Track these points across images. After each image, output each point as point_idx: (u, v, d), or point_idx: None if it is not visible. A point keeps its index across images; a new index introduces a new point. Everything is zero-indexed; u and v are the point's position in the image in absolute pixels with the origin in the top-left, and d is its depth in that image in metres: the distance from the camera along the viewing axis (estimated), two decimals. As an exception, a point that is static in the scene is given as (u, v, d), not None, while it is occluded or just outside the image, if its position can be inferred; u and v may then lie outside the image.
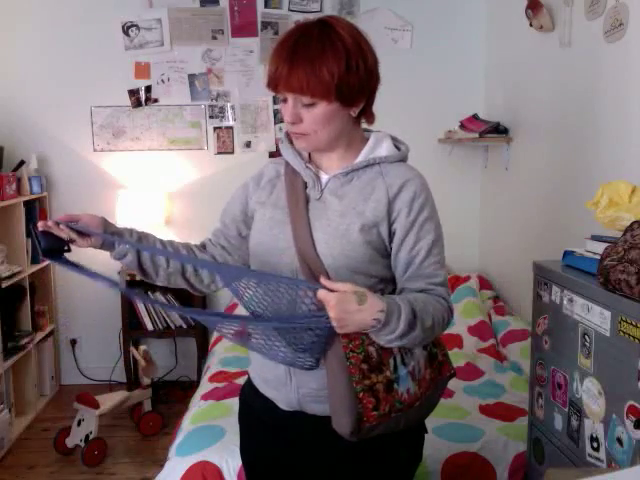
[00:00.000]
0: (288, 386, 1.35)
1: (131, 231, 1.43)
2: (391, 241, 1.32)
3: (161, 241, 1.47)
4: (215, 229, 1.53)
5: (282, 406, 1.39)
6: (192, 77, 3.80)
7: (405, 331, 1.19)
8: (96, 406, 3.05)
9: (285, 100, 1.29)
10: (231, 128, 3.85)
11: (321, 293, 1.14)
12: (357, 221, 1.29)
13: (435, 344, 1.35)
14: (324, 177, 1.38)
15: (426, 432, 1.46)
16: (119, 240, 1.39)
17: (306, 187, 1.37)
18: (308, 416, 1.35)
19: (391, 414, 1.25)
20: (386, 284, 1.34)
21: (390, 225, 1.31)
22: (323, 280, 1.17)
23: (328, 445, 1.32)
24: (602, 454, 1.59)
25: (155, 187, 3.80)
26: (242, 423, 1.54)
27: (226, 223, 1.49)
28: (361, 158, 1.36)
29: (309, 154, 1.40)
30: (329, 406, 1.26)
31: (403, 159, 1.38)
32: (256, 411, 1.47)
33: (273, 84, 1.29)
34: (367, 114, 1.37)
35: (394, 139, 1.42)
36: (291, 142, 1.40)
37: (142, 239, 1.43)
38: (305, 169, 1.37)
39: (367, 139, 1.39)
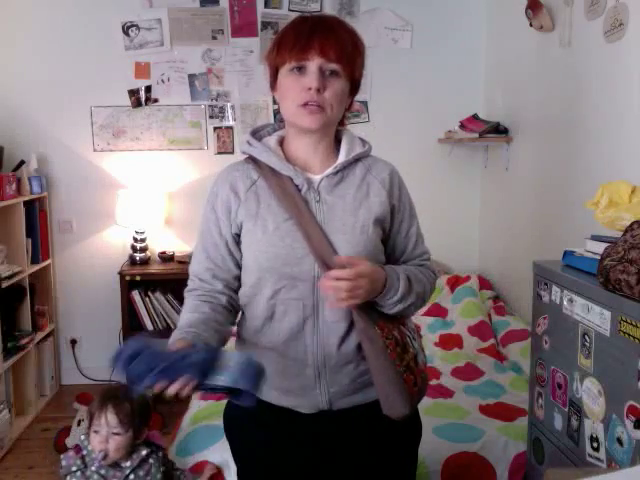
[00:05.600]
0: (317, 390, 1.34)
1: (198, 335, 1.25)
2: (389, 229, 1.41)
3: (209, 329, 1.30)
4: (212, 274, 1.37)
5: (305, 411, 1.37)
6: (192, 77, 3.80)
7: (404, 293, 1.31)
8: (96, 406, 3.04)
9: (301, 69, 1.29)
10: (231, 128, 3.85)
11: (342, 258, 1.25)
12: (370, 216, 1.35)
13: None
14: (315, 178, 1.36)
15: None
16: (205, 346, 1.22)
17: (298, 190, 1.33)
18: (334, 412, 1.37)
19: (422, 386, 1.37)
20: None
21: (392, 215, 1.40)
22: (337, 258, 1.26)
23: (357, 433, 1.39)
24: (602, 454, 1.59)
25: (155, 187, 3.80)
26: (243, 441, 1.45)
27: (223, 254, 1.37)
28: (344, 155, 1.38)
29: (285, 157, 1.38)
30: (378, 395, 1.32)
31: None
32: (265, 424, 1.39)
33: (301, 49, 1.28)
34: (344, 117, 1.42)
35: None
36: (259, 140, 1.39)
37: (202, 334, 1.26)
38: (295, 172, 1.34)
39: (338, 138, 1.43)
